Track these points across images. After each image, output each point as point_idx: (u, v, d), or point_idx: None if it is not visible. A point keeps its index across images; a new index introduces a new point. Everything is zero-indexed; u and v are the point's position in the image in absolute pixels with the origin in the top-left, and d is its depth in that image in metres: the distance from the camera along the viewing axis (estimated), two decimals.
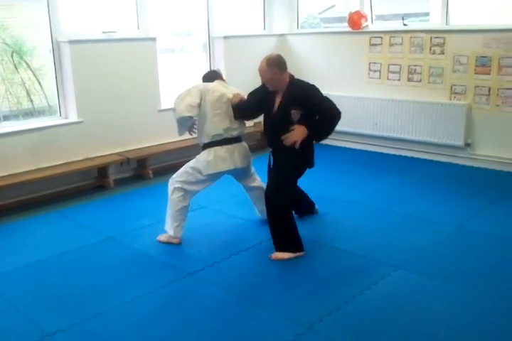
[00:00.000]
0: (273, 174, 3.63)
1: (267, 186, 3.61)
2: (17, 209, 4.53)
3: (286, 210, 3.51)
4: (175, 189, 3.70)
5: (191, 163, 3.74)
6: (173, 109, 3.68)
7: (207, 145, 3.69)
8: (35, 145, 4.73)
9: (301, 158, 3.56)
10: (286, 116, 3.42)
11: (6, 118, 4.93)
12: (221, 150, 3.64)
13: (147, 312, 2.90)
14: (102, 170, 5.09)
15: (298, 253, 3.50)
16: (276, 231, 3.51)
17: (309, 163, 3.64)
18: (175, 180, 3.73)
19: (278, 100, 3.51)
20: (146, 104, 5.50)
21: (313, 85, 3.50)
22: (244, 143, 3.81)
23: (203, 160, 3.66)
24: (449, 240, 3.74)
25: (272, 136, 3.61)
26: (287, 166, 3.53)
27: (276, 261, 3.46)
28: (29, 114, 5.16)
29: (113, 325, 2.79)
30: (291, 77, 3.52)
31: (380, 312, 2.85)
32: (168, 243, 3.74)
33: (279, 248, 3.50)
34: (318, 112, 3.43)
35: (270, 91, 3.54)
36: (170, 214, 3.73)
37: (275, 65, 3.42)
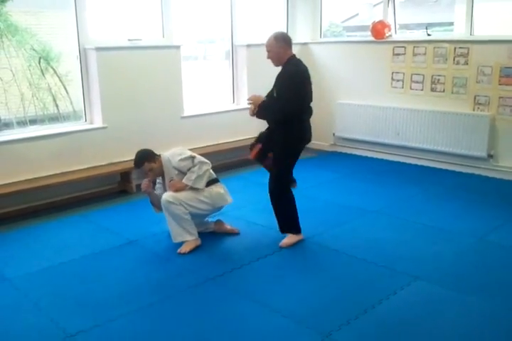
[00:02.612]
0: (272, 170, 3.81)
1: (269, 182, 3.80)
2: (41, 212, 4.62)
3: (287, 198, 3.78)
4: (180, 208, 3.70)
5: (201, 194, 3.79)
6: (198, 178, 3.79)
7: (212, 182, 3.90)
8: (60, 149, 4.82)
9: (292, 139, 3.64)
10: (273, 91, 3.69)
11: (32, 122, 5.04)
12: (221, 186, 3.96)
13: (167, 316, 2.93)
14: (124, 175, 5.16)
15: (300, 236, 3.86)
16: (282, 218, 3.83)
17: (304, 141, 3.77)
18: (184, 202, 3.71)
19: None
20: (169, 110, 5.57)
21: (294, 71, 3.57)
22: None
23: (216, 192, 3.87)
24: (470, 252, 3.71)
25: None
26: (279, 160, 3.72)
27: (295, 269, 3.47)
28: (55, 118, 5.26)
29: (133, 327, 2.83)
30: (293, 56, 3.66)
31: (399, 322, 2.84)
32: (193, 249, 3.76)
33: (286, 232, 3.85)
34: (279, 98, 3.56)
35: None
36: (176, 224, 3.73)
37: (282, 40, 3.61)
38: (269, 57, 3.67)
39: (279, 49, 3.60)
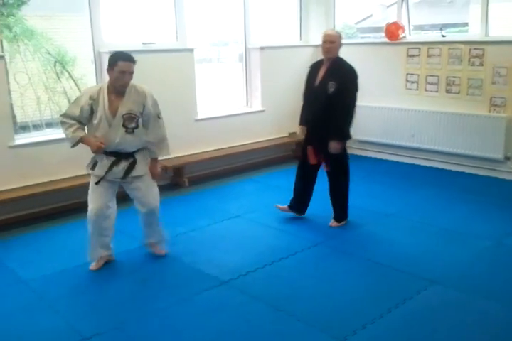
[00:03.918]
0: (332, 160, 4.06)
1: (333, 170, 4.09)
2: (57, 214, 4.65)
3: (347, 184, 4.19)
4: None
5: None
6: None
7: None
8: (76, 153, 4.81)
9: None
10: (326, 87, 3.87)
11: (48, 125, 5.08)
12: None
13: (181, 320, 2.93)
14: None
15: (345, 221, 4.25)
16: (339, 205, 4.20)
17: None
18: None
19: (321, 74, 3.96)
20: (183, 113, 5.58)
21: (354, 70, 3.92)
22: None
23: None
24: (487, 255, 3.66)
25: (311, 106, 4.05)
26: (341, 155, 4.05)
27: (311, 272, 3.46)
28: None
29: (148, 330, 2.83)
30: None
31: (415, 327, 2.81)
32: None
33: (340, 219, 4.21)
34: (341, 94, 3.83)
35: (313, 70, 4.06)
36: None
37: (341, 37, 4.01)
38: (329, 47, 3.91)
39: (339, 44, 3.95)
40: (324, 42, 3.92)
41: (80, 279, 3.45)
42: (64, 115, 3.34)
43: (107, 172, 3.43)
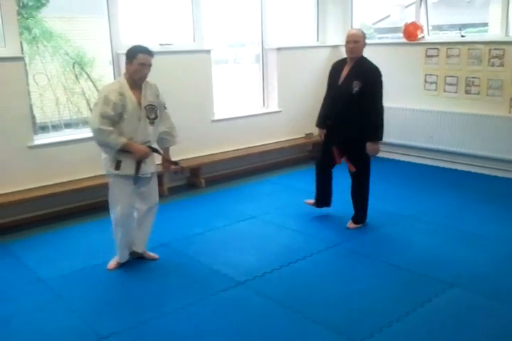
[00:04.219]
0: (354, 161, 4.07)
1: (358, 172, 4.06)
2: (75, 214, 4.70)
3: (368, 186, 4.17)
4: None
5: None
6: None
7: None
8: (94, 152, 4.86)
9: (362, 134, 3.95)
10: (350, 86, 3.86)
11: (67, 126, 5.14)
12: None
13: (198, 320, 2.93)
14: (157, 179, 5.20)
15: (363, 223, 4.22)
16: (360, 206, 4.18)
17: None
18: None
19: (345, 73, 3.96)
20: (200, 114, 5.60)
21: (378, 70, 3.92)
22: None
23: None
24: (507, 259, 3.60)
25: (333, 105, 4.03)
26: (364, 155, 4.01)
27: (328, 274, 3.44)
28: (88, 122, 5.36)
29: (165, 330, 2.84)
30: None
31: (433, 330, 2.78)
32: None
33: (359, 220, 4.19)
34: (367, 94, 3.83)
35: (336, 69, 4.06)
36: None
37: (365, 37, 4.00)
38: (352, 47, 3.90)
39: (363, 43, 3.94)
40: (348, 41, 3.90)
41: (98, 278, 3.47)
42: (100, 121, 3.19)
43: (137, 170, 3.39)
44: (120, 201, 3.45)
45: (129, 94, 3.27)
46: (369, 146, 3.92)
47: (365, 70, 3.88)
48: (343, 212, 4.36)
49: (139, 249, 3.68)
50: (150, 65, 3.33)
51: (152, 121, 3.39)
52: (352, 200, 4.22)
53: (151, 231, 3.72)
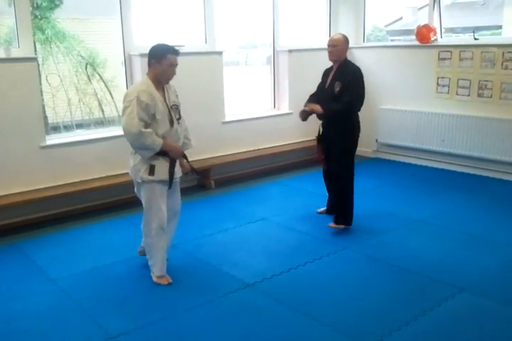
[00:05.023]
0: (334, 161, 4.14)
1: (335, 170, 4.12)
2: (86, 214, 4.72)
3: (351, 188, 4.15)
4: None
5: None
6: None
7: None
8: (106, 153, 4.92)
9: (349, 129, 4.07)
10: (333, 87, 4.02)
11: (78, 126, 5.18)
12: None
13: (206, 321, 2.94)
14: None
15: (348, 226, 4.19)
16: (341, 207, 4.16)
17: (357, 131, 4.14)
18: None
19: (331, 76, 4.13)
20: (211, 115, 5.61)
21: (359, 70, 4.03)
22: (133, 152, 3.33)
23: None
24: None
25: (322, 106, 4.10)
26: (342, 153, 4.08)
27: (336, 277, 3.43)
28: (100, 123, 5.40)
29: (173, 331, 2.85)
30: (346, 57, 4.13)
31: (443, 335, 2.76)
32: None
33: (340, 222, 4.17)
34: (346, 93, 3.93)
35: (326, 74, 4.21)
36: None
37: (348, 41, 4.11)
38: (331, 51, 4.04)
39: (344, 47, 4.06)
40: (327, 46, 4.06)
41: (109, 278, 3.48)
42: (138, 124, 3.07)
43: (171, 174, 3.28)
44: (158, 211, 3.28)
45: (157, 95, 3.19)
46: (317, 106, 4.04)
47: (346, 72, 4.02)
48: (354, 216, 4.33)
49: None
50: (177, 65, 3.26)
51: (178, 122, 3.31)
52: (334, 201, 4.32)
53: None
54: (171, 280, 3.38)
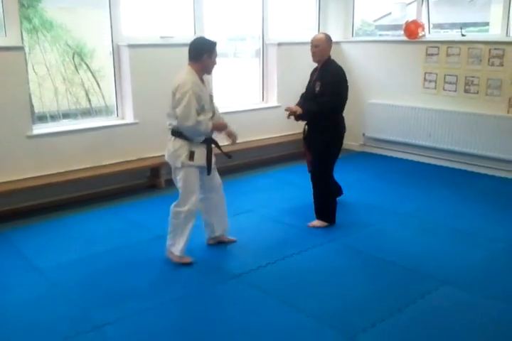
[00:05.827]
0: (313, 159, 4.13)
1: (312, 167, 4.10)
2: (72, 204, 4.71)
3: (326, 187, 4.12)
4: None
5: None
6: None
7: None
8: (92, 143, 4.90)
9: (330, 129, 4.03)
10: (314, 87, 4.01)
11: (65, 116, 5.14)
12: None
13: (191, 312, 2.96)
14: (154, 171, 5.22)
15: (330, 224, 4.13)
16: (317, 205, 4.13)
17: (341, 131, 4.13)
18: None
19: (315, 75, 4.11)
20: None
21: (340, 70, 4.00)
22: (172, 138, 3.49)
23: None
24: (500, 257, 3.64)
25: (303, 105, 4.09)
26: (321, 152, 4.05)
27: (322, 269, 3.47)
28: (87, 113, 5.36)
29: (158, 321, 2.86)
30: (330, 56, 4.07)
31: (426, 327, 2.81)
32: None
33: (318, 217, 4.14)
34: (325, 92, 3.89)
35: (312, 74, 4.16)
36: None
37: (330, 40, 4.06)
38: (313, 52, 4.01)
39: (326, 47, 4.00)
40: (310, 46, 4.04)
41: (95, 268, 3.49)
42: (195, 114, 3.28)
43: (209, 160, 3.49)
44: (195, 192, 3.49)
45: (202, 86, 3.41)
46: (296, 107, 4.04)
47: (326, 71, 3.99)
48: (340, 209, 4.37)
49: (219, 232, 3.78)
50: None
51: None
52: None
53: None
54: (191, 260, 3.52)
